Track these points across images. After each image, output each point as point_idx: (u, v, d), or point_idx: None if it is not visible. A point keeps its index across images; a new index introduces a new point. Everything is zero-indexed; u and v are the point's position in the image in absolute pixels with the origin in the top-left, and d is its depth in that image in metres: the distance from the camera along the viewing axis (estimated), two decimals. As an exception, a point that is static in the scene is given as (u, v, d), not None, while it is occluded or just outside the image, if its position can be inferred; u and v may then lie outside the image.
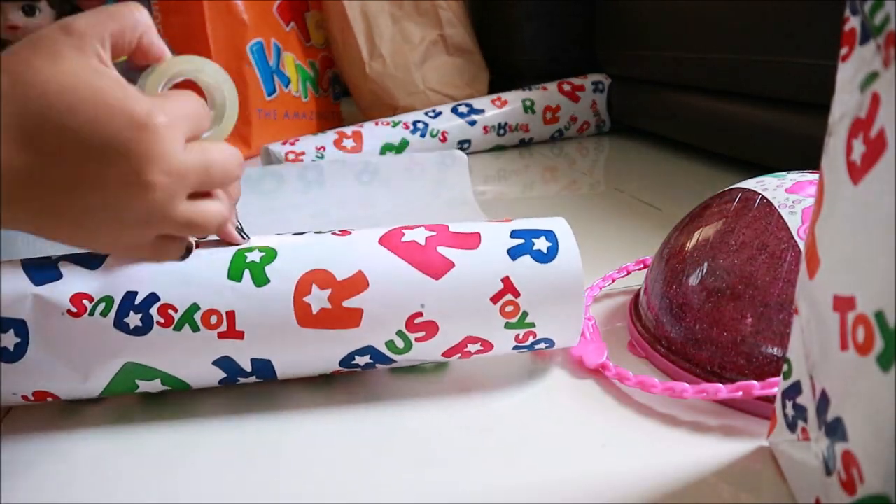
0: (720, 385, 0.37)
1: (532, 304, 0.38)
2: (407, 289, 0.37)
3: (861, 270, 0.24)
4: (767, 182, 0.43)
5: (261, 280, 0.37)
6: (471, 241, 0.39)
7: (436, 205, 0.79)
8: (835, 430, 0.25)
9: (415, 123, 1.06)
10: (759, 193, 0.42)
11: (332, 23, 1.26)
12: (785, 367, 0.31)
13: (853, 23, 0.25)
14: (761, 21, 0.79)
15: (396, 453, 0.36)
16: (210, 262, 0.37)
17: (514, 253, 0.39)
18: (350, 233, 0.40)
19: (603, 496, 0.32)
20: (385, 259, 0.38)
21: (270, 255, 0.38)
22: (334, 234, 0.40)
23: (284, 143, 1.00)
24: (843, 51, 0.26)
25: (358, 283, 0.37)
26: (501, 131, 1.12)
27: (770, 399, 0.36)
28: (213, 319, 0.36)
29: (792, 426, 0.31)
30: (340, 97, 1.38)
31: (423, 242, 0.39)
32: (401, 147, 1.04)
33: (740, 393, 0.36)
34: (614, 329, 0.49)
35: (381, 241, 0.39)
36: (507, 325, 0.39)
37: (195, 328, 0.36)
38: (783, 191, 0.41)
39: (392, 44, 1.24)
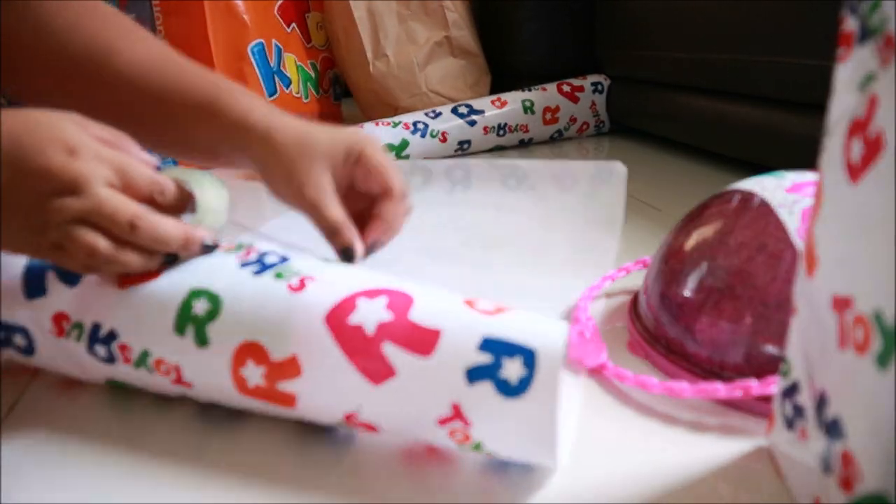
0: (719, 384, 0.37)
1: (487, 437, 0.32)
2: (342, 387, 0.33)
3: (859, 270, 0.24)
4: (766, 182, 0.43)
5: (202, 340, 0.35)
6: (426, 342, 0.32)
7: (579, 223, 0.72)
8: (833, 429, 0.25)
9: (415, 124, 1.06)
10: (757, 194, 0.42)
11: (335, 22, 1.26)
12: (784, 367, 0.32)
13: (851, 24, 0.25)
14: (761, 21, 0.79)
15: (389, 449, 0.36)
16: (161, 304, 0.36)
17: (473, 375, 0.31)
18: (305, 287, 0.35)
19: (603, 496, 0.32)
20: (323, 347, 0.33)
21: (214, 308, 0.35)
22: (291, 286, 0.35)
23: (285, 144, 1.00)
24: (841, 51, 0.26)
25: (291, 367, 0.34)
26: (501, 132, 1.12)
27: (769, 398, 0.36)
28: (164, 367, 0.37)
29: (791, 425, 0.31)
30: (341, 98, 1.38)
31: (371, 331, 0.32)
32: (401, 147, 1.04)
33: (739, 392, 0.36)
34: (614, 329, 0.49)
35: (328, 319, 0.33)
36: (461, 448, 0.33)
37: (150, 371, 0.37)
38: (782, 191, 0.41)
39: (397, 43, 1.24)
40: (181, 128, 0.47)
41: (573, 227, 0.71)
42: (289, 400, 0.35)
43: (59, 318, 0.38)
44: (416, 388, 0.32)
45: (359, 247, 0.42)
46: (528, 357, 0.30)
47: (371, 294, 0.34)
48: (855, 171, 0.24)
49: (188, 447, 0.36)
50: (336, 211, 0.42)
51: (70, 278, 0.38)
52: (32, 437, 0.38)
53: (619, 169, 0.78)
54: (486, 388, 0.31)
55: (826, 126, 0.27)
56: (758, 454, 0.34)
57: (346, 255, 0.42)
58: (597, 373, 0.42)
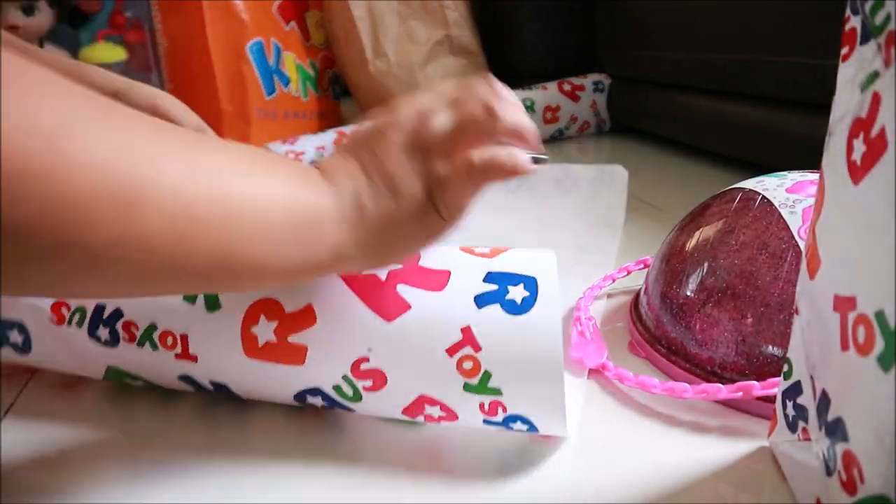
0: (720, 385, 0.37)
1: (495, 363, 0.33)
2: (354, 329, 0.34)
3: (862, 270, 0.23)
4: (768, 182, 0.43)
5: (213, 304, 0.36)
6: (437, 280, 0.34)
7: (580, 225, 0.72)
8: (835, 430, 0.25)
9: (415, 123, 1.06)
10: (759, 193, 0.42)
11: (334, 21, 1.26)
12: (785, 368, 0.31)
13: (854, 22, 0.25)
14: (761, 21, 0.79)
15: (391, 449, 0.35)
16: None
17: (481, 300, 0.33)
18: None
19: (603, 496, 0.32)
20: (338, 293, 0.34)
21: None
22: None
23: (284, 143, 1.00)
24: (844, 50, 0.26)
25: (306, 317, 0.34)
26: (501, 131, 1.12)
27: (770, 399, 0.36)
28: (169, 341, 0.37)
29: (792, 426, 0.31)
30: (340, 97, 1.38)
31: (383, 276, 0.35)
32: (401, 147, 1.04)
33: (740, 393, 0.36)
34: (614, 329, 0.49)
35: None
36: (467, 388, 0.33)
37: (154, 347, 0.37)
38: (783, 191, 0.41)
39: (397, 43, 1.24)
40: None
41: (573, 229, 0.71)
42: (298, 354, 0.35)
43: (59, 306, 0.39)
44: (430, 319, 0.33)
45: None
46: (529, 283, 0.33)
47: None
48: (857, 171, 0.24)
49: (189, 447, 0.36)
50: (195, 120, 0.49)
51: None
52: (32, 437, 0.38)
53: (620, 172, 0.78)
54: (493, 310, 0.33)
55: (828, 125, 0.27)
56: (759, 455, 0.34)
57: None
58: (597, 373, 0.42)
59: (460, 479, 0.33)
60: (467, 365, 0.33)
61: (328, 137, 1.01)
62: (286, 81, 1.21)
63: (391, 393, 0.35)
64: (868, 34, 0.24)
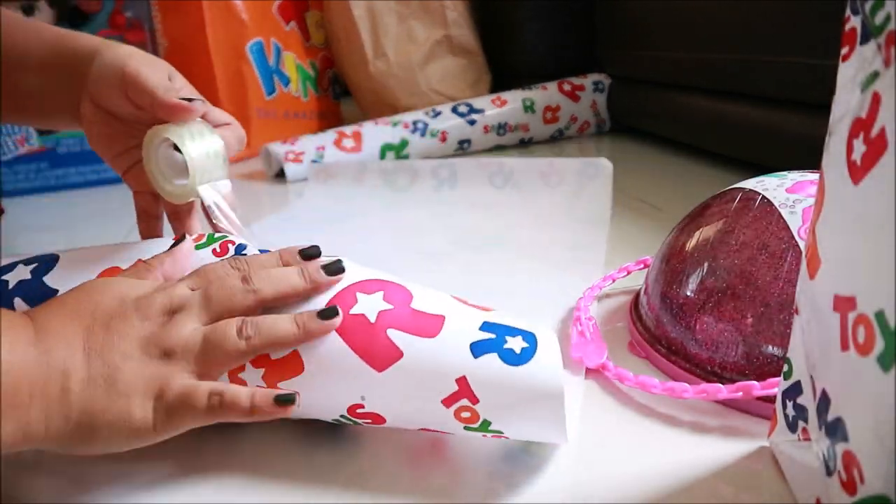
0: (720, 385, 0.37)
1: (495, 413, 0.32)
2: (344, 379, 0.32)
3: (862, 270, 0.23)
4: (768, 182, 0.43)
5: None
6: (430, 325, 0.32)
7: (567, 221, 0.72)
8: (835, 430, 0.25)
9: (415, 123, 1.06)
10: (759, 193, 0.42)
11: (334, 21, 1.26)
12: (785, 367, 0.31)
13: (854, 22, 0.25)
14: (761, 21, 0.79)
15: (390, 448, 0.35)
16: None
17: (477, 349, 0.31)
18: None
19: (603, 496, 0.32)
20: (325, 339, 0.33)
21: None
22: None
23: (284, 143, 1.00)
24: (844, 50, 0.26)
25: (292, 365, 0.33)
26: (501, 131, 1.12)
27: (770, 399, 0.36)
28: None
29: (792, 426, 0.31)
30: (340, 97, 1.38)
31: (373, 319, 0.33)
32: (401, 147, 1.04)
33: (741, 393, 0.36)
34: (614, 329, 0.49)
35: None
36: (468, 429, 0.33)
37: None
38: (783, 191, 0.41)
39: (397, 43, 1.24)
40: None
41: (561, 225, 0.71)
42: None
43: None
44: (423, 368, 0.32)
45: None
46: (529, 336, 0.32)
47: (367, 288, 0.34)
48: (857, 171, 0.24)
49: (188, 449, 0.36)
50: (164, 81, 0.43)
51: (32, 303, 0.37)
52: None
53: (604, 164, 0.79)
54: (491, 359, 0.31)
55: (828, 125, 0.27)
56: (759, 455, 0.34)
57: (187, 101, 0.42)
58: (597, 373, 0.42)
59: (461, 481, 0.33)
60: (465, 414, 0.32)
61: (328, 137, 1.01)
62: (286, 81, 1.21)
63: (393, 427, 0.34)
64: (868, 34, 0.24)
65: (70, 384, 0.29)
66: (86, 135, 0.47)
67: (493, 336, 0.32)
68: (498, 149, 1.14)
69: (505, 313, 0.34)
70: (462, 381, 0.31)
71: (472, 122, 1.10)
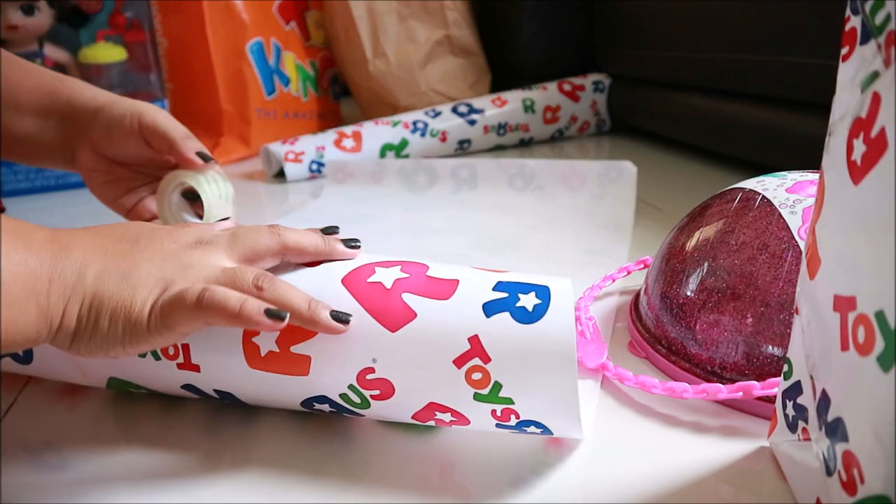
0: (720, 385, 0.37)
1: (506, 374, 0.31)
2: (358, 339, 0.33)
3: (862, 270, 0.23)
4: (768, 182, 0.43)
5: None
6: (445, 289, 0.33)
7: (588, 227, 0.70)
8: (835, 430, 0.25)
9: (415, 123, 1.06)
10: (759, 193, 0.42)
11: (335, 21, 1.26)
12: (785, 368, 0.31)
13: (854, 22, 0.25)
14: (761, 21, 0.79)
15: (390, 446, 0.35)
16: None
17: (490, 308, 0.32)
18: (318, 264, 0.36)
19: (603, 496, 0.32)
20: (341, 302, 0.33)
21: None
22: (303, 264, 0.36)
23: (284, 143, 1.00)
24: (844, 50, 0.26)
25: (306, 329, 0.33)
26: (501, 131, 1.12)
27: (770, 399, 0.36)
28: (171, 350, 0.36)
29: (792, 426, 0.31)
30: (340, 97, 1.38)
31: (389, 285, 0.33)
32: (401, 147, 1.04)
33: (741, 393, 0.36)
34: (614, 329, 0.49)
35: (345, 280, 0.34)
36: (477, 397, 0.32)
37: (157, 357, 0.36)
38: (784, 191, 0.41)
39: (396, 43, 1.24)
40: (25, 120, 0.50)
41: (582, 229, 0.69)
42: (302, 364, 0.34)
43: None
44: (436, 329, 0.32)
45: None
46: (542, 290, 0.32)
47: (386, 264, 0.35)
48: (857, 171, 0.24)
49: (191, 451, 0.36)
50: (183, 128, 0.50)
51: None
52: (32, 437, 0.38)
53: (628, 168, 0.77)
54: (503, 318, 0.31)
55: (828, 125, 0.27)
56: (759, 455, 0.34)
57: (203, 156, 0.50)
58: (597, 373, 0.42)
59: (463, 479, 0.33)
60: (476, 376, 0.32)
61: (328, 137, 1.01)
62: (286, 81, 1.21)
63: (399, 401, 0.34)
64: (868, 34, 0.24)
65: (87, 272, 0.30)
66: (85, 181, 0.52)
67: (505, 295, 0.32)
68: (498, 149, 1.14)
69: (524, 273, 0.34)
70: (474, 340, 0.31)
71: (472, 122, 1.09)
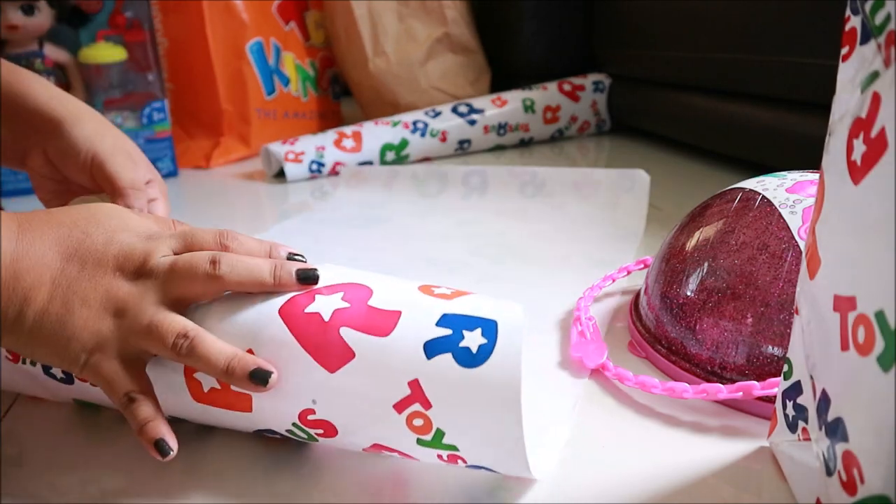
0: (720, 385, 0.37)
1: (448, 422, 0.30)
2: (296, 379, 0.31)
3: (862, 270, 0.23)
4: (768, 182, 0.43)
5: None
6: (385, 322, 0.30)
7: (596, 236, 0.69)
8: (835, 430, 0.25)
9: (414, 123, 1.06)
10: (759, 193, 0.42)
11: (335, 20, 1.26)
12: (785, 368, 0.31)
13: (854, 22, 0.25)
14: (761, 21, 0.79)
15: (346, 454, 0.35)
16: None
17: (431, 348, 0.29)
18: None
19: (603, 496, 0.32)
20: (278, 338, 0.31)
21: None
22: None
23: (284, 143, 1.00)
24: (844, 50, 0.26)
25: None
26: (501, 131, 1.12)
27: (770, 399, 0.36)
28: None
29: (792, 426, 0.31)
30: (340, 97, 1.38)
31: (327, 317, 0.31)
32: (401, 147, 1.04)
33: (741, 393, 0.36)
34: (614, 329, 0.49)
35: (283, 310, 0.32)
36: (421, 443, 0.31)
37: None
38: (784, 190, 0.41)
39: (396, 41, 1.24)
40: None
41: (589, 238, 0.68)
42: (244, 401, 0.32)
43: None
44: (374, 370, 0.30)
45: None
46: (489, 327, 0.29)
47: (329, 290, 0.33)
48: (857, 171, 0.24)
49: (190, 449, 0.36)
50: (131, 175, 0.46)
51: None
52: (32, 437, 0.38)
53: (640, 177, 0.75)
54: (445, 360, 0.29)
55: (828, 125, 0.27)
56: (759, 455, 0.34)
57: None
58: (597, 373, 0.42)
59: (458, 477, 0.33)
60: (418, 422, 0.30)
61: (328, 137, 1.01)
62: (286, 81, 1.21)
63: (345, 440, 0.32)
64: (868, 34, 0.24)
65: (27, 311, 0.31)
66: (33, 184, 0.50)
67: (448, 332, 0.29)
68: (498, 149, 1.14)
69: (474, 296, 0.32)
70: (414, 385, 0.29)
71: (472, 122, 1.09)
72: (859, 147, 0.24)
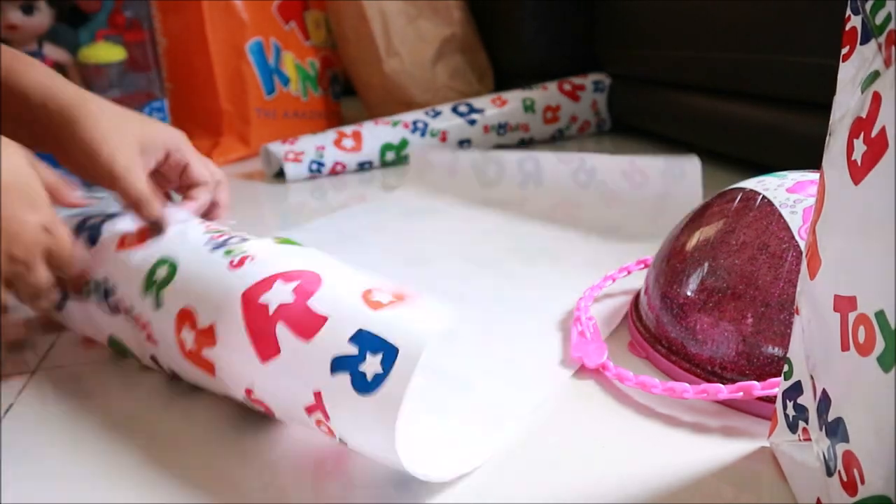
0: (721, 385, 0.37)
1: (345, 434, 0.32)
2: (240, 361, 0.34)
3: (862, 270, 0.23)
4: (768, 182, 0.43)
5: (158, 302, 0.39)
6: (312, 325, 0.32)
7: (649, 228, 0.65)
8: (836, 430, 0.25)
9: (415, 123, 1.06)
10: (759, 193, 0.42)
11: (343, 21, 1.26)
12: (786, 368, 0.31)
13: (854, 22, 0.25)
14: (761, 21, 0.79)
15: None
16: (138, 268, 0.41)
17: (336, 365, 0.31)
18: (242, 264, 0.37)
19: (603, 496, 0.32)
20: (234, 320, 0.34)
21: (170, 275, 0.39)
22: (231, 263, 0.37)
23: (284, 143, 1.00)
24: (844, 50, 0.26)
25: (210, 336, 0.36)
26: (501, 131, 1.12)
27: (771, 399, 0.36)
28: (141, 322, 0.40)
29: (793, 427, 0.31)
30: (340, 96, 1.37)
31: (272, 310, 0.33)
32: (401, 146, 1.04)
33: (741, 393, 0.36)
34: (614, 329, 0.49)
35: (245, 295, 0.35)
36: (333, 441, 0.34)
37: (134, 325, 0.41)
38: (784, 190, 0.41)
39: (408, 42, 1.25)
40: None
41: (643, 230, 0.65)
42: (210, 368, 0.37)
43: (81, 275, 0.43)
44: (291, 371, 0.33)
45: (166, 218, 0.44)
46: (389, 354, 0.30)
47: (289, 277, 0.35)
48: (857, 171, 0.24)
49: (190, 450, 0.36)
50: (143, 185, 0.44)
51: (92, 237, 0.44)
52: (32, 437, 0.38)
53: (692, 165, 0.69)
54: (344, 379, 0.30)
55: (828, 125, 0.27)
56: (760, 455, 0.34)
57: (155, 227, 0.43)
58: (598, 373, 0.42)
59: (458, 477, 0.33)
60: (324, 428, 0.33)
61: (328, 137, 1.01)
62: (286, 81, 1.21)
63: (283, 417, 0.36)
64: (868, 34, 0.24)
65: None
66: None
67: (354, 352, 0.31)
68: (498, 149, 1.14)
69: (404, 308, 0.32)
70: (318, 395, 0.31)
71: (472, 122, 1.09)
72: (860, 147, 0.24)
